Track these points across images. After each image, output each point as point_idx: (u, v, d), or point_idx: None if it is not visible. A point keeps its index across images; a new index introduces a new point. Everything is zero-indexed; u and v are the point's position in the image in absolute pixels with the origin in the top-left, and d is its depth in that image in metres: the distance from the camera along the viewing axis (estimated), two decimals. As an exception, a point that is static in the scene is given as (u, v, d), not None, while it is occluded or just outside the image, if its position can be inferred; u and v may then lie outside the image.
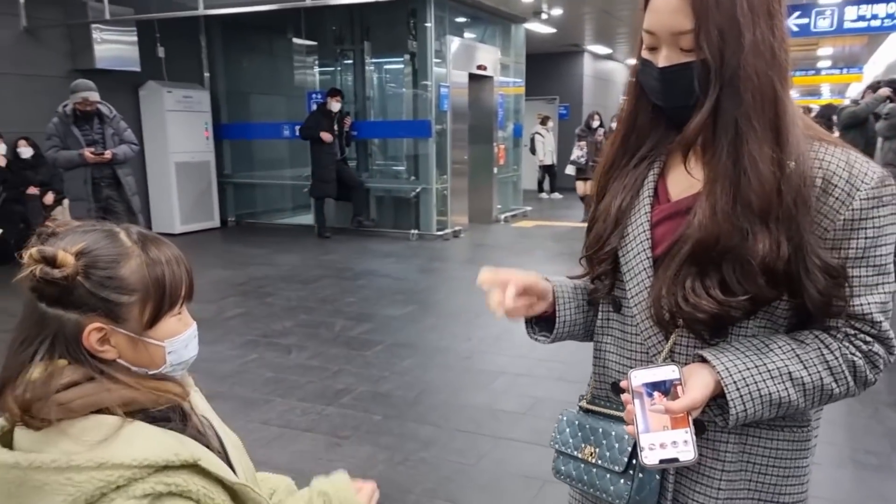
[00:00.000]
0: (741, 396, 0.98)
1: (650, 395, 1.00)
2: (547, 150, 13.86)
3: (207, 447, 0.96)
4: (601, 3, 10.94)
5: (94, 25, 8.16)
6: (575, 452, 1.18)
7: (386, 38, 9.38)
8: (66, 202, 6.35)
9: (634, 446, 1.05)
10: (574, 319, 1.26)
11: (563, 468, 1.21)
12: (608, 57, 17.11)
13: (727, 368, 0.99)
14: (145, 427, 0.89)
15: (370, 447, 3.16)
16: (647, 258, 1.10)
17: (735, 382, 0.98)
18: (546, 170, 14.22)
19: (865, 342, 1.01)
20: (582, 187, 9.96)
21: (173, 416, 0.94)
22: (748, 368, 0.99)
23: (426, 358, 4.37)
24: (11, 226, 7.07)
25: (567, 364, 3.86)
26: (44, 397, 0.83)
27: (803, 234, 0.97)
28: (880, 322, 1.01)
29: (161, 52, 9.14)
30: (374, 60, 9.60)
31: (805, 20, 7.06)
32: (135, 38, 8.63)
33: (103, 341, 0.90)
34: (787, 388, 1.00)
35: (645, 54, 1.07)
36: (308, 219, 9.55)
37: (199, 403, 1.07)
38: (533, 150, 13.72)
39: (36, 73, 8.03)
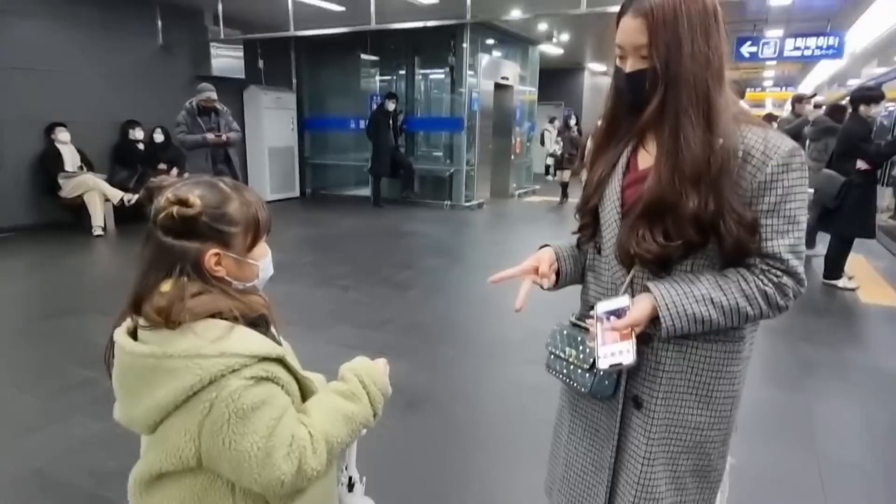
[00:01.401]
0: (671, 315, 1.02)
1: (608, 318, 1.07)
2: (553, 143, 13.63)
3: None
4: (598, 32, 10.67)
5: (212, 43, 8.21)
6: (561, 353, 1.22)
7: (431, 55, 9.24)
8: (185, 175, 6.40)
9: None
10: (573, 270, 1.29)
11: (552, 364, 1.24)
12: (603, 73, 16.66)
13: (662, 294, 1.03)
14: (247, 329, 0.92)
15: (407, 364, 3.14)
16: (618, 213, 1.13)
17: (667, 305, 1.02)
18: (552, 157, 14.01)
19: (776, 276, 1.03)
20: (560, 175, 9.59)
21: (261, 323, 0.97)
22: (678, 294, 1.03)
23: (453, 298, 4.35)
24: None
25: (560, 303, 3.78)
26: (179, 303, 0.87)
27: (724, 195, 0.99)
28: (788, 260, 1.02)
29: (260, 63, 9.16)
30: (421, 71, 9.49)
31: (754, 49, 7.26)
32: (241, 53, 8.66)
33: (218, 263, 0.92)
34: (708, 309, 1.02)
35: (617, 62, 1.10)
36: (366, 191, 9.51)
37: None
38: (542, 143, 13.48)
39: (167, 78, 8.06)
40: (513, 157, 10.41)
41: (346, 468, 1.17)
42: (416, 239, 6.48)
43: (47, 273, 4.97)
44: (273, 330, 1.02)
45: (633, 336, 1.04)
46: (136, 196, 6.75)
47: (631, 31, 1.03)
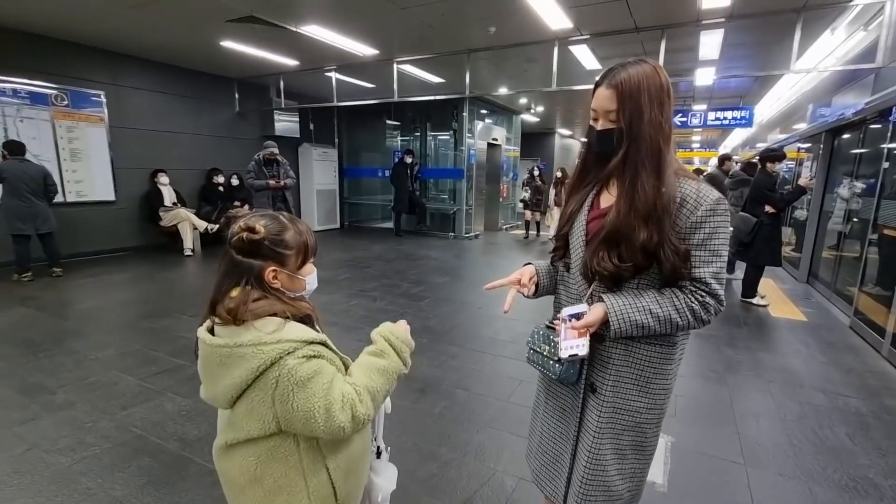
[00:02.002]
0: (618, 320, 1.02)
1: (570, 320, 1.07)
2: (522, 191, 13.53)
3: None
4: (566, 105, 10.84)
5: (275, 111, 8.30)
6: (538, 349, 1.19)
7: (440, 121, 9.30)
8: (254, 210, 6.45)
9: None
10: (548, 284, 1.26)
11: (531, 357, 1.22)
12: (570, 136, 16.81)
13: (612, 304, 1.03)
14: (296, 323, 0.93)
15: (420, 357, 3.13)
16: (583, 240, 1.12)
17: (615, 312, 1.02)
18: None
19: (701, 296, 1.02)
20: (528, 215, 9.14)
21: (307, 322, 0.97)
22: (625, 304, 1.02)
23: (456, 307, 4.34)
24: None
25: (538, 312, 3.77)
26: (244, 306, 0.88)
27: (665, 230, 0.99)
28: (711, 284, 1.02)
29: (311, 126, 9.25)
30: (432, 133, 9.55)
31: (685, 119, 7.40)
32: (297, 118, 8.74)
33: (275, 277, 0.93)
34: (647, 318, 1.02)
35: (591, 122, 1.09)
36: (390, 224, 9.55)
37: None
38: (523, 188, 13.56)
39: (241, 137, 8.17)
40: (500, 199, 10.41)
41: (375, 439, 1.16)
42: (427, 261, 6.49)
43: (148, 283, 5.00)
44: (317, 327, 1.03)
45: (588, 334, 1.05)
46: (217, 226, 6.84)
47: (604, 98, 1.03)
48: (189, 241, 6.58)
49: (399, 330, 1.08)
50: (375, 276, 5.44)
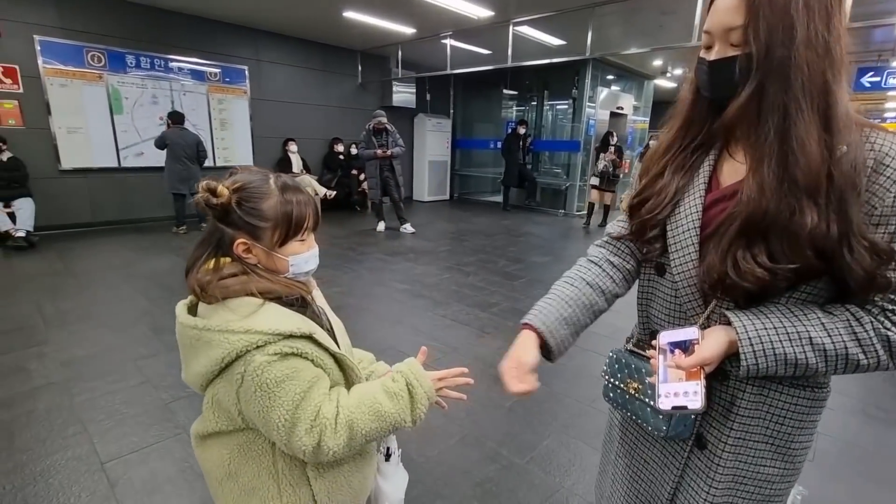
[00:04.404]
0: (754, 352, 0.66)
1: (672, 351, 0.72)
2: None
3: (320, 326, 0.83)
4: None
5: (393, 81, 8.47)
6: (620, 385, 0.86)
7: (558, 88, 8.65)
8: (362, 177, 6.73)
9: None
10: (569, 335, 0.89)
11: (610, 394, 0.89)
12: (716, 103, 14.54)
13: (744, 326, 0.67)
14: (278, 307, 0.78)
15: (502, 342, 2.93)
16: (696, 235, 0.74)
17: (750, 339, 0.66)
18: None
19: None
20: (594, 195, 7.04)
21: (297, 303, 0.82)
22: (766, 329, 0.66)
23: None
24: (344, 190, 7.69)
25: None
26: (212, 281, 0.76)
27: (852, 217, 0.62)
28: None
29: (427, 96, 9.28)
30: (549, 102, 8.96)
31: (877, 78, 5.54)
32: (413, 89, 8.82)
33: (247, 251, 0.79)
34: (804, 352, 0.65)
35: (702, 53, 0.72)
36: (498, 198, 9.30)
37: (318, 298, 0.92)
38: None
39: (362, 107, 8.52)
40: (621, 175, 9.47)
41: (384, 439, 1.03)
42: (530, 238, 6.16)
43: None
44: (318, 308, 0.87)
45: (702, 376, 0.68)
46: (335, 192, 7.31)
47: (723, 11, 0.66)
48: (310, 206, 7.14)
49: (427, 380, 0.87)
50: (474, 250, 5.30)
